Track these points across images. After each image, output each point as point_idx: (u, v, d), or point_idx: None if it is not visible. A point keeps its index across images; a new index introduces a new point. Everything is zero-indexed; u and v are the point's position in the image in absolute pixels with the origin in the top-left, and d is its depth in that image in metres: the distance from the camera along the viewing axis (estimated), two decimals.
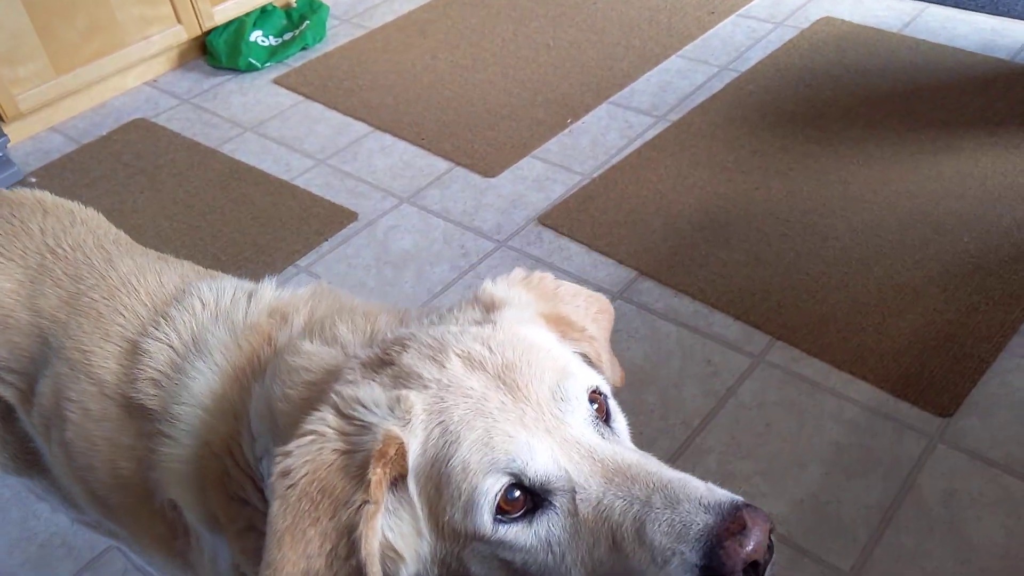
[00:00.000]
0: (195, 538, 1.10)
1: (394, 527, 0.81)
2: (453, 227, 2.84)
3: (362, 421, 0.82)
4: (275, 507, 0.79)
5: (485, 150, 3.15)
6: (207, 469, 1.01)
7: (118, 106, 3.59)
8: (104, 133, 3.42)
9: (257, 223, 2.89)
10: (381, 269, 2.71)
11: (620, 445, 0.88)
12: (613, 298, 2.46)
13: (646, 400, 2.15)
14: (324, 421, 0.83)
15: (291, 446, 0.81)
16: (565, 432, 0.83)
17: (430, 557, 0.83)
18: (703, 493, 0.79)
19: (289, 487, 0.79)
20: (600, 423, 0.89)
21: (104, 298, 1.20)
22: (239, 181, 3.09)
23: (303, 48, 3.85)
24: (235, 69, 3.73)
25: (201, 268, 1.36)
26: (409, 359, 0.88)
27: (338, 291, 1.17)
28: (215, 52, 3.75)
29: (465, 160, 3.12)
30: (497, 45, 3.75)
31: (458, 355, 0.87)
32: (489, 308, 0.97)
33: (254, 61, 3.72)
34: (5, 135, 3.17)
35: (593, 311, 1.08)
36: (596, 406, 0.90)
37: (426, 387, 0.84)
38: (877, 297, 2.30)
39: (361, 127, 3.35)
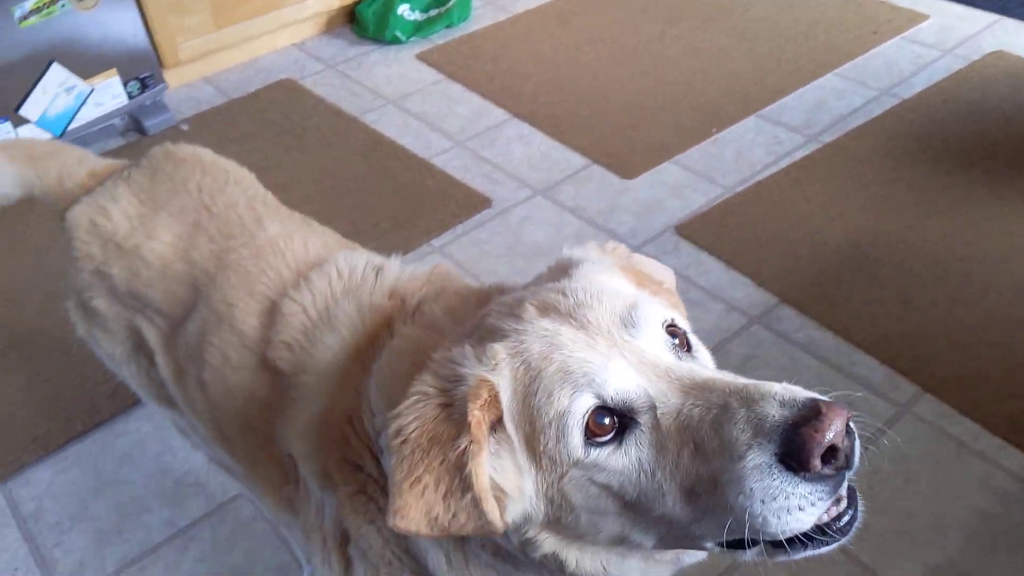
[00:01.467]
0: (304, 489, 1.16)
1: (498, 467, 0.85)
2: (586, 226, 2.80)
3: (456, 375, 0.87)
4: (392, 462, 0.85)
5: (624, 150, 3.09)
6: (328, 433, 1.08)
7: (267, 65, 3.67)
8: (253, 90, 3.49)
9: (396, 197, 2.91)
10: (512, 259, 2.69)
11: (697, 364, 0.89)
12: (751, 322, 2.38)
13: None
14: (424, 382, 0.89)
15: (399, 409, 0.88)
16: (639, 355, 0.85)
17: (535, 492, 0.86)
18: (779, 391, 0.78)
19: (402, 443, 0.85)
20: (679, 350, 0.90)
21: (252, 256, 1.29)
22: (381, 153, 3.11)
23: (447, 26, 3.85)
24: (380, 40, 3.76)
25: (340, 236, 1.43)
26: (492, 319, 0.94)
27: (452, 275, 1.22)
28: (363, 21, 3.78)
29: (602, 158, 3.07)
30: (642, 43, 3.67)
31: (533, 304, 0.92)
32: (566, 268, 1.00)
33: (399, 34, 3.74)
34: (164, 82, 3.27)
35: (663, 276, 1.10)
36: (676, 340, 0.91)
37: (506, 336, 0.89)
38: None
39: (500, 113, 3.33)
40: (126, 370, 1.50)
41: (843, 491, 0.80)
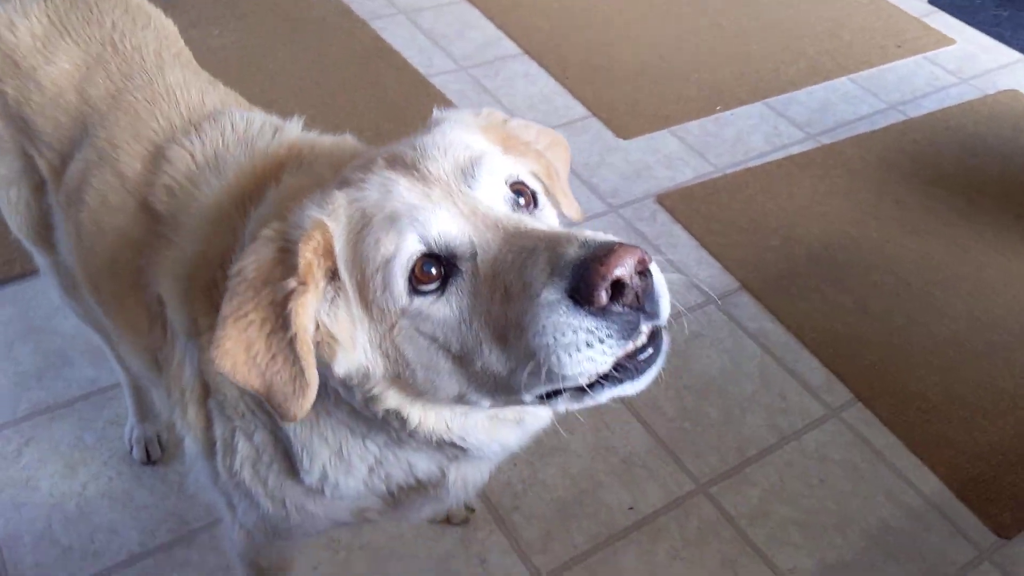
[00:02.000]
0: (170, 338, 1.15)
1: (332, 315, 0.86)
2: (571, 176, 2.77)
3: (298, 221, 0.88)
4: (225, 298, 0.85)
5: (625, 109, 3.06)
6: (199, 276, 1.07)
7: None
8: None
9: (386, 109, 2.87)
10: None
11: (532, 219, 0.89)
12: (707, 302, 2.39)
13: (708, 413, 2.10)
14: (271, 227, 0.89)
15: (245, 251, 0.88)
16: (472, 205, 0.85)
17: (369, 344, 0.87)
18: (585, 235, 0.79)
19: (239, 281, 0.85)
20: (520, 207, 0.91)
21: (146, 100, 1.25)
22: (380, 62, 3.06)
23: None
24: None
25: (244, 101, 1.39)
26: (348, 171, 0.93)
27: (360, 146, 1.19)
28: None
29: (603, 113, 3.04)
30: (665, 7, 3.62)
31: (383, 157, 0.91)
32: (430, 126, 1.00)
33: None
34: None
35: (546, 141, 1.08)
36: (522, 198, 0.91)
37: (350, 184, 0.89)
38: (974, 393, 2.19)
39: (511, 46, 3.28)
40: (4, 195, 1.45)
41: (644, 330, 0.80)
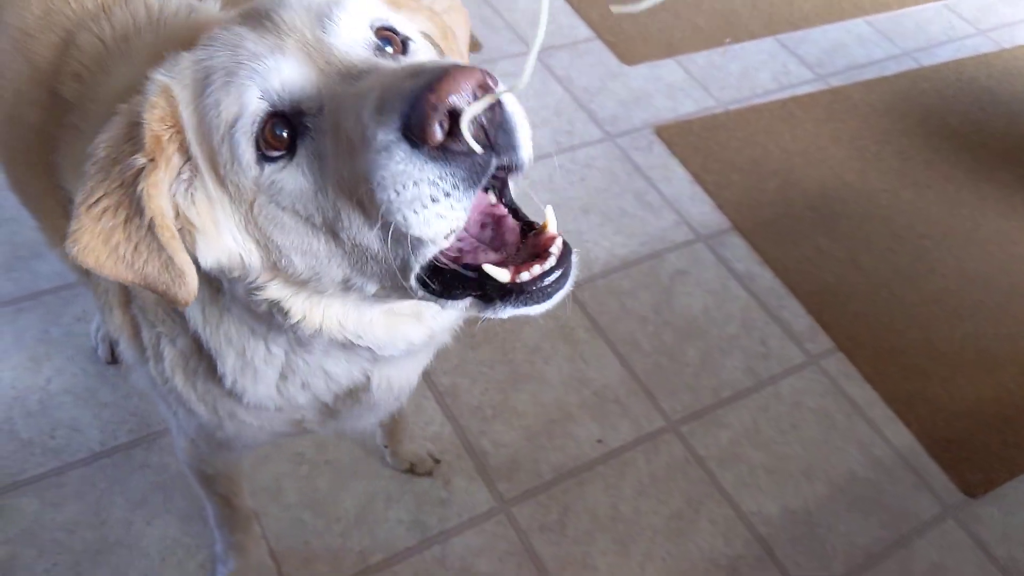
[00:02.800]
0: None
1: (187, 197, 0.77)
2: (569, 100, 2.69)
3: (147, 90, 0.78)
4: (79, 184, 0.77)
5: (631, 33, 2.95)
6: None
7: None
8: None
9: None
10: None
11: (395, 61, 0.79)
12: (697, 239, 2.34)
13: (686, 352, 2.07)
14: (131, 102, 0.79)
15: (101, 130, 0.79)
16: (326, 52, 0.75)
17: (235, 227, 0.78)
18: (420, 64, 0.69)
19: (91, 163, 0.77)
20: (386, 54, 0.80)
21: None
22: None
23: None
24: None
25: None
26: (210, 33, 0.82)
27: None
28: None
29: (608, 36, 2.93)
30: None
31: (239, 12, 0.82)
32: None
33: None
34: None
35: (444, 4, 1.00)
36: (390, 45, 0.81)
37: (200, 45, 0.79)
38: (956, 351, 2.17)
39: None
40: None
41: (554, 250, 0.73)
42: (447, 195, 0.66)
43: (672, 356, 2.06)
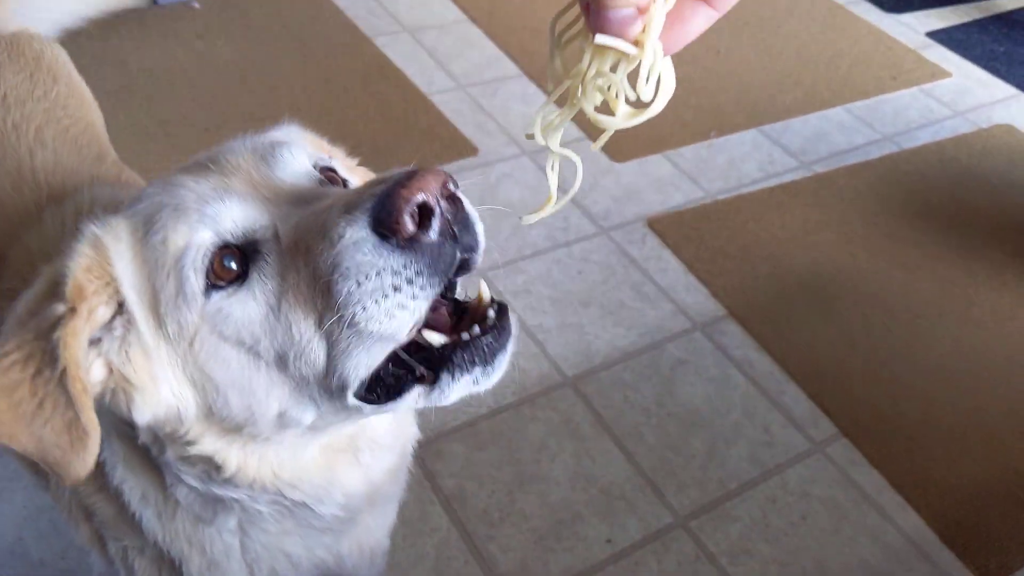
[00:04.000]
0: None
1: (122, 352, 0.75)
2: (562, 196, 2.77)
3: (73, 246, 0.76)
4: None
5: (620, 132, 3.04)
6: None
7: None
8: None
9: (384, 124, 2.86)
10: (483, 213, 2.66)
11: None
12: (694, 328, 2.38)
13: (692, 444, 2.08)
14: (54, 260, 0.77)
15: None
16: (275, 187, 0.76)
17: (172, 374, 0.75)
18: (385, 175, 0.70)
19: (10, 319, 0.74)
20: (329, 186, 0.82)
21: (10, 188, 1.17)
22: (382, 78, 3.06)
23: None
24: None
25: (121, 172, 1.30)
26: (149, 183, 0.83)
27: None
28: None
29: (596, 135, 3.03)
30: None
31: (180, 167, 0.82)
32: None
33: None
34: None
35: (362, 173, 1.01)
36: (334, 187, 0.82)
37: (139, 195, 0.80)
38: (959, 431, 2.18)
39: (510, 67, 3.27)
40: None
41: (490, 312, 0.74)
42: (409, 283, 0.67)
43: (677, 449, 2.07)
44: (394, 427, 0.96)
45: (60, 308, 0.71)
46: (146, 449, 0.85)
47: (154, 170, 1.33)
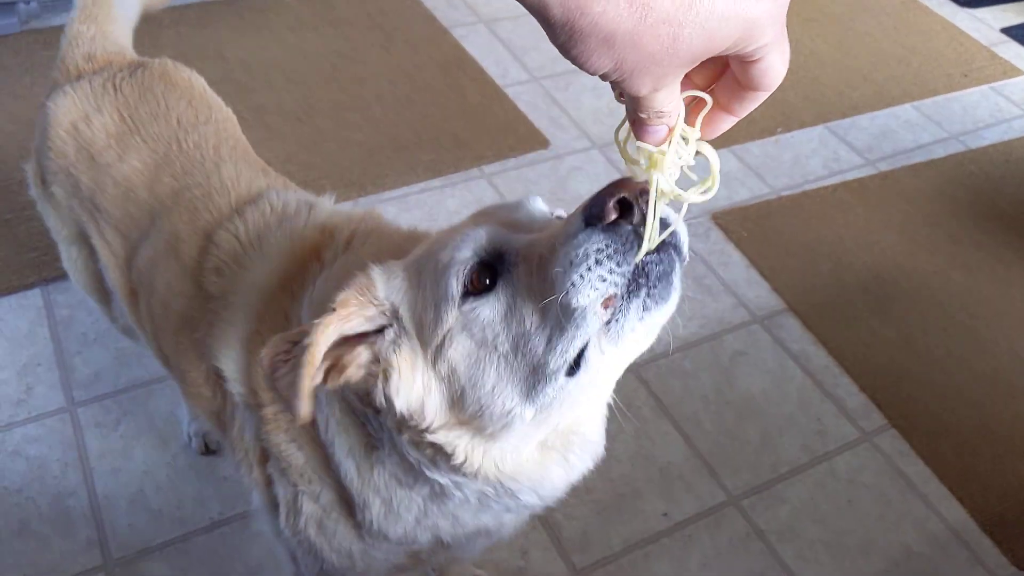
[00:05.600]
0: (231, 406, 1.26)
1: (394, 349, 0.93)
2: None
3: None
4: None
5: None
6: (256, 349, 1.14)
7: None
8: None
9: (462, 117, 3.03)
10: (552, 204, 2.80)
11: None
12: (753, 321, 2.50)
13: (747, 431, 2.22)
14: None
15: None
16: (520, 223, 0.93)
17: (424, 367, 0.92)
18: None
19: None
20: None
21: (202, 196, 1.36)
22: (459, 70, 3.22)
23: None
24: None
25: (291, 183, 1.49)
26: None
27: (384, 219, 1.28)
28: None
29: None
30: None
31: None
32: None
33: None
34: None
35: None
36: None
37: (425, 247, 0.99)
38: (1008, 430, 2.27)
39: None
40: (65, 251, 1.61)
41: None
42: (609, 259, 0.79)
43: (732, 435, 2.21)
44: (596, 418, 1.10)
45: (329, 307, 0.92)
46: (362, 418, 1.05)
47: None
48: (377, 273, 0.96)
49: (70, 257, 1.63)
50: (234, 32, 3.26)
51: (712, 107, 0.64)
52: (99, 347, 2.21)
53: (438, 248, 0.93)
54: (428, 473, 1.02)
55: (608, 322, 0.82)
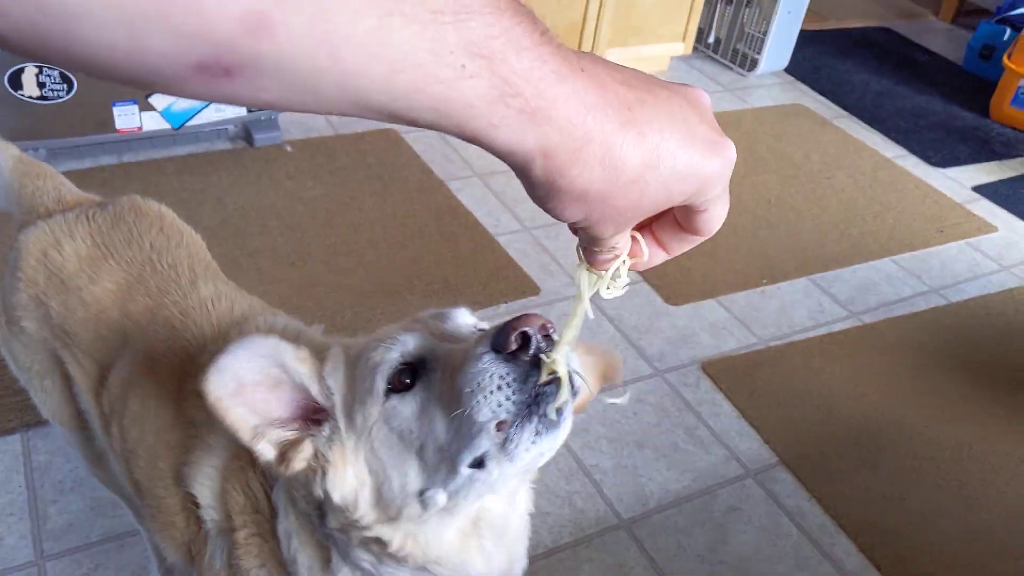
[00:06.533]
0: (203, 533, 1.24)
1: (328, 444, 0.99)
2: (620, 337, 2.92)
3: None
4: None
5: (676, 277, 3.23)
6: (232, 477, 1.18)
7: None
8: (360, 131, 3.74)
9: (454, 263, 3.09)
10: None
11: None
12: (746, 475, 2.47)
13: None
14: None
15: None
16: (444, 332, 1.02)
17: (355, 458, 0.99)
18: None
19: None
20: None
21: (181, 314, 1.37)
22: (452, 219, 3.31)
23: None
24: None
25: (265, 304, 1.50)
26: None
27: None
28: None
29: (654, 279, 3.21)
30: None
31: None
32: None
33: None
34: None
35: None
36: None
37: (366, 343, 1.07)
38: None
39: None
40: (38, 385, 1.57)
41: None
42: (508, 387, 0.88)
43: None
44: (506, 513, 1.13)
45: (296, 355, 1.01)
46: (314, 526, 1.08)
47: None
48: (332, 354, 1.03)
49: (44, 390, 1.59)
50: (234, 179, 3.35)
51: (650, 243, 0.73)
52: (75, 495, 2.14)
53: (371, 348, 1.01)
54: (364, 564, 1.06)
55: (503, 442, 0.91)
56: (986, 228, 3.76)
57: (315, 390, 1.01)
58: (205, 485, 1.21)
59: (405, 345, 0.99)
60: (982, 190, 4.07)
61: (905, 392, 2.83)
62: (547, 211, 0.61)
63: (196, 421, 1.25)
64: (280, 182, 3.38)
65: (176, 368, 1.31)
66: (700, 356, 2.90)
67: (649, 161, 0.57)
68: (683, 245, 0.72)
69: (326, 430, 1.01)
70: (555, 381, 0.90)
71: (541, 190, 0.57)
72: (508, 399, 0.89)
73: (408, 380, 0.98)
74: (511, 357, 0.89)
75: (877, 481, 2.49)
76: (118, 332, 1.39)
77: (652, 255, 0.74)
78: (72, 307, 1.42)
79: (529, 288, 3.05)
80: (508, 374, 0.88)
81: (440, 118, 0.51)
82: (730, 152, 0.61)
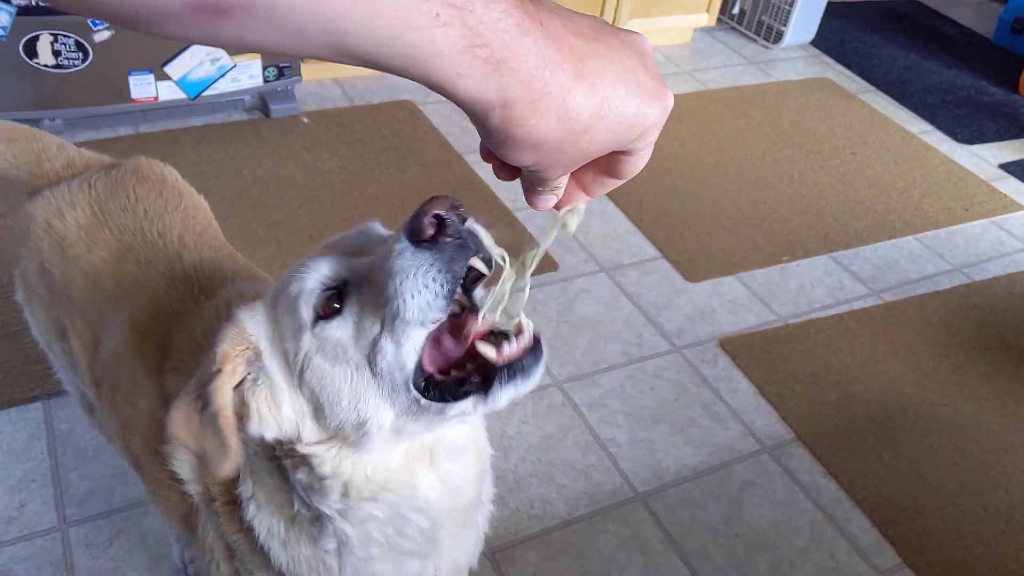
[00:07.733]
0: (194, 507, 1.25)
1: (253, 391, 0.98)
2: (638, 314, 2.91)
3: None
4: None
5: (695, 253, 3.21)
6: None
7: (395, 82, 3.89)
8: (375, 102, 3.73)
9: None
10: (559, 325, 2.82)
11: None
12: (762, 451, 2.46)
13: (757, 566, 2.15)
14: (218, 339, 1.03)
15: None
16: (359, 248, 0.99)
17: (290, 396, 0.98)
18: None
19: (194, 376, 1.02)
20: None
21: (165, 286, 1.38)
22: (471, 193, 3.30)
23: None
24: None
25: (259, 271, 1.51)
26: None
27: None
28: None
29: (673, 255, 3.19)
30: (744, 156, 3.80)
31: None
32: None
33: None
34: (299, 75, 3.52)
35: None
36: None
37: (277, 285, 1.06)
38: (1023, 570, 2.20)
39: None
40: (56, 347, 1.59)
41: (526, 336, 0.91)
42: (438, 272, 0.86)
43: (743, 570, 2.14)
44: (470, 434, 1.11)
45: (213, 369, 0.98)
46: (276, 480, 1.08)
47: (262, 270, 1.54)
48: (243, 315, 1.02)
49: (57, 355, 1.61)
50: (252, 151, 3.36)
51: (572, 187, 0.74)
52: (96, 463, 2.17)
53: (288, 282, 1.00)
54: (316, 503, 1.04)
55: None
56: (1012, 207, 3.70)
57: (251, 358, 1.00)
58: (183, 460, 1.22)
59: (319, 270, 0.97)
60: (1009, 168, 4.00)
61: (925, 370, 2.81)
62: (500, 156, 0.63)
63: (172, 396, 1.25)
64: (297, 154, 3.38)
65: (159, 342, 1.32)
66: (718, 333, 2.88)
67: (600, 111, 0.59)
68: (603, 188, 0.73)
69: (253, 374, 1.00)
70: (480, 278, 0.90)
71: (496, 137, 0.58)
72: (435, 280, 0.86)
73: (337, 305, 0.95)
74: (431, 244, 0.86)
75: (894, 458, 2.48)
76: (112, 301, 1.40)
77: (573, 196, 0.75)
78: (72, 276, 1.44)
79: (547, 264, 3.04)
80: (433, 264, 0.86)
81: (409, 65, 0.53)
82: (669, 100, 0.63)
